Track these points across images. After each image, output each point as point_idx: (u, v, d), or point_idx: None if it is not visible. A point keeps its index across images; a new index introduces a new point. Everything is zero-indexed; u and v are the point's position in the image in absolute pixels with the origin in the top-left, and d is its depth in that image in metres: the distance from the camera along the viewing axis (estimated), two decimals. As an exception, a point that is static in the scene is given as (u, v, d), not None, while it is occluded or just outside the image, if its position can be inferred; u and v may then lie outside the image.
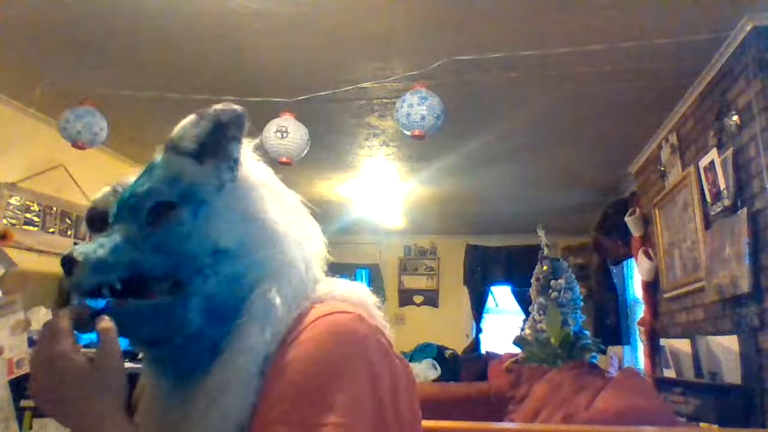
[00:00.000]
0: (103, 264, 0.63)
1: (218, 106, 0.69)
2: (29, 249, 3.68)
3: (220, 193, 0.69)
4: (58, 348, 0.59)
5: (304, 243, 0.73)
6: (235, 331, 0.64)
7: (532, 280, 4.85)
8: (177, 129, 0.71)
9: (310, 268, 0.72)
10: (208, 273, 0.65)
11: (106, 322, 0.62)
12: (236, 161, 0.70)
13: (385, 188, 5.47)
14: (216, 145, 0.69)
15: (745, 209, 2.61)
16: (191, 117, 0.70)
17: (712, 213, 2.98)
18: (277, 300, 0.65)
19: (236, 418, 0.60)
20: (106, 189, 0.79)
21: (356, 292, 0.72)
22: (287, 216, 0.73)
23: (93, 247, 0.64)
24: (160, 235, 0.66)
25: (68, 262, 0.62)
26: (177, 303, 0.64)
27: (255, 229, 0.69)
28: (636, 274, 4.75)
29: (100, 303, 0.65)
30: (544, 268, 4.74)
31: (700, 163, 3.10)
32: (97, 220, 0.79)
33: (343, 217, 6.36)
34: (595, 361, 4.16)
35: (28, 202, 3.73)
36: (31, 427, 2.95)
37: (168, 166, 0.69)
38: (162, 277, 0.65)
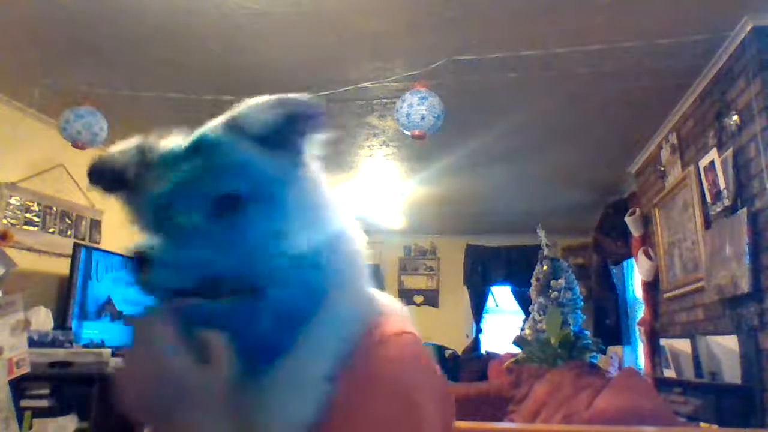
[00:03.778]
0: (179, 265, 0.58)
1: (296, 96, 0.64)
2: (29, 249, 3.68)
3: (289, 190, 0.64)
4: (165, 353, 0.56)
5: (360, 246, 0.71)
6: (307, 332, 0.61)
7: (532, 280, 4.86)
8: (245, 109, 0.64)
9: (367, 272, 0.71)
10: (281, 276, 0.61)
11: (218, 338, 0.59)
12: (304, 157, 0.66)
13: (385, 188, 5.47)
14: (287, 136, 0.64)
15: (745, 209, 2.61)
16: (264, 99, 0.64)
17: (712, 213, 2.98)
18: (350, 304, 0.64)
19: (304, 418, 0.58)
20: (130, 145, 0.69)
21: (400, 306, 0.73)
22: (344, 217, 0.71)
23: (166, 246, 0.59)
24: (233, 233, 0.60)
25: (142, 261, 0.58)
26: (249, 306, 0.60)
27: (323, 231, 0.66)
28: (636, 274, 4.75)
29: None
30: (544, 268, 4.75)
31: (700, 163, 3.10)
32: (108, 177, 0.69)
33: (343, 217, 6.35)
34: (595, 361, 4.16)
35: (28, 202, 3.73)
36: (31, 427, 2.95)
37: (233, 151, 0.62)
38: (233, 279, 0.60)
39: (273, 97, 0.64)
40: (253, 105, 0.64)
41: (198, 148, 0.63)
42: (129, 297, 4.47)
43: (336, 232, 0.67)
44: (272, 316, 0.60)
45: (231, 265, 0.59)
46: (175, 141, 0.66)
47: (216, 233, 0.60)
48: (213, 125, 0.65)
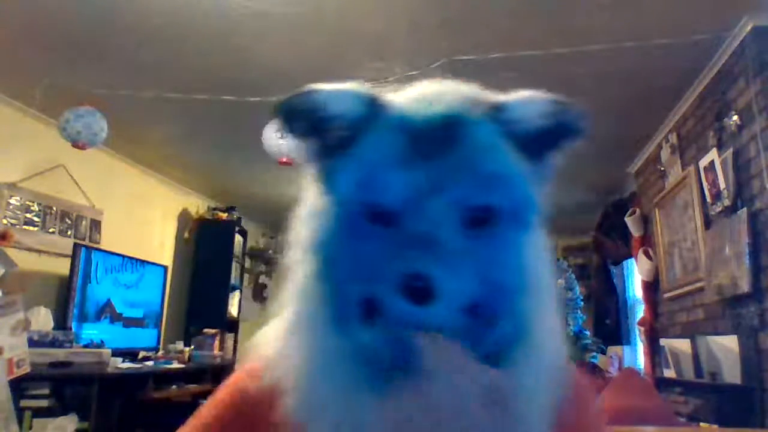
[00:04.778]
0: (455, 298, 0.47)
1: (568, 101, 0.54)
2: (29, 249, 3.68)
3: (535, 214, 0.54)
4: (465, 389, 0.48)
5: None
6: (517, 375, 0.51)
7: (532, 280, 4.85)
8: (516, 101, 0.54)
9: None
10: (509, 312, 0.51)
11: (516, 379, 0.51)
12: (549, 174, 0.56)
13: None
14: (550, 148, 0.55)
15: (745, 209, 2.61)
16: (539, 96, 0.54)
17: (712, 213, 2.98)
18: (558, 346, 0.56)
19: None
20: (351, 89, 0.53)
21: None
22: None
23: (444, 271, 0.46)
24: (484, 255, 0.49)
25: (423, 290, 0.45)
26: (471, 341, 0.50)
27: (542, 263, 0.56)
28: (636, 274, 4.75)
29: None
30: (544, 268, 4.74)
31: (700, 163, 3.10)
32: (311, 120, 0.53)
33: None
34: (595, 361, 4.16)
35: (28, 202, 3.73)
36: (31, 427, 2.95)
37: (502, 153, 0.51)
38: (472, 308, 0.49)
39: (547, 96, 0.54)
40: (526, 99, 0.54)
41: (455, 131, 0.50)
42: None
43: (548, 264, 0.58)
44: (486, 349, 0.50)
45: (476, 295, 0.49)
46: (409, 102, 0.53)
47: (465, 252, 0.48)
48: (461, 100, 0.52)
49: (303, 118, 0.53)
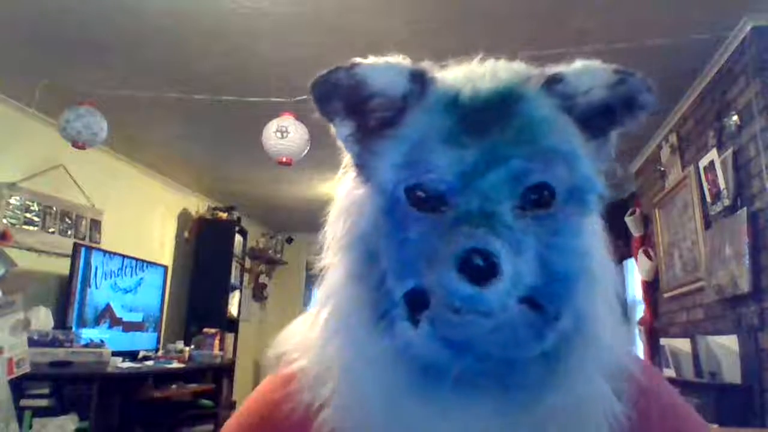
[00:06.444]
0: (517, 281, 0.43)
1: (635, 72, 0.49)
2: (29, 249, 3.68)
3: (594, 197, 0.48)
4: None
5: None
6: (574, 373, 0.47)
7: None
8: (575, 71, 0.50)
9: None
10: (569, 305, 0.46)
11: None
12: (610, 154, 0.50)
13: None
14: (611, 124, 0.49)
15: (745, 209, 2.61)
16: (601, 67, 0.50)
17: (712, 213, 2.98)
18: (619, 342, 0.51)
19: None
20: (394, 64, 0.51)
21: None
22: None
23: (505, 249, 0.41)
24: (542, 240, 0.45)
25: (483, 267, 0.40)
26: (531, 336, 0.46)
27: (606, 254, 0.52)
28: (636, 274, 4.75)
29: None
30: (544, 268, 4.73)
31: (700, 163, 3.10)
32: (349, 98, 0.50)
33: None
34: (595, 361, 4.15)
35: (28, 202, 3.73)
36: (31, 427, 2.95)
37: (560, 128, 0.46)
38: (530, 298, 0.45)
39: (607, 65, 0.50)
40: (584, 69, 0.50)
41: (509, 106, 0.46)
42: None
43: (607, 252, 0.53)
44: (553, 351, 0.46)
45: (533, 283, 0.44)
46: (459, 78, 0.50)
47: (533, 236, 0.44)
48: (515, 75, 0.50)
49: (341, 96, 0.49)
